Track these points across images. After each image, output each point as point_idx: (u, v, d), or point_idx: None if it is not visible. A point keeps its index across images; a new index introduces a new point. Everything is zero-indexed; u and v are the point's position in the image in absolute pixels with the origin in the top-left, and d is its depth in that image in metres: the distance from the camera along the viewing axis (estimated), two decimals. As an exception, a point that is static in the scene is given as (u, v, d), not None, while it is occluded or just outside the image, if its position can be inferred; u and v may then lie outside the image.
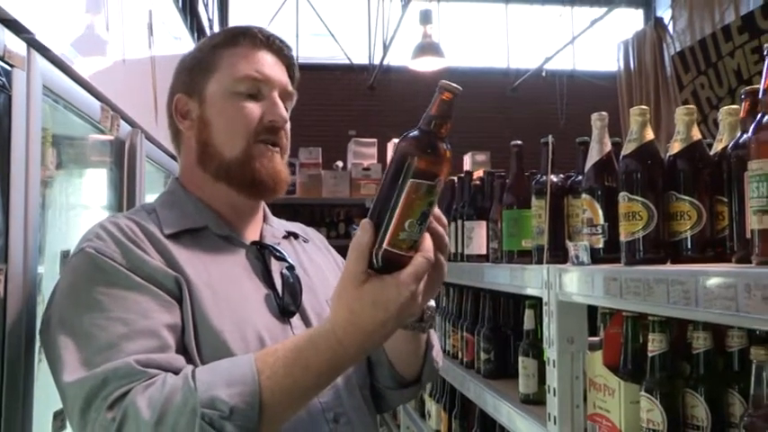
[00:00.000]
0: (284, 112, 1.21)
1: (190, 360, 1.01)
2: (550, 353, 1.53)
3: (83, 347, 0.96)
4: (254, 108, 1.18)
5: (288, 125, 1.24)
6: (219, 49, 1.21)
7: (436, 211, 0.96)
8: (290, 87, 1.25)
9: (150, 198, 1.73)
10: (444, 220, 1.01)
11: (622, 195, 1.27)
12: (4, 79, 1.08)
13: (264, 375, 0.91)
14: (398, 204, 0.90)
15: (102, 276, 1.01)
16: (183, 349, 1.02)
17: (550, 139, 1.67)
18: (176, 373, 0.94)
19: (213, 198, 1.20)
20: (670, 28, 6.71)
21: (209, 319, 1.04)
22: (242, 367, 0.92)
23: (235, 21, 8.87)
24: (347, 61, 8.97)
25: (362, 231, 0.90)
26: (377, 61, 8.07)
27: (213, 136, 1.18)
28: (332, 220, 7.17)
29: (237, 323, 1.06)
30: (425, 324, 1.16)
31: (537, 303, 1.75)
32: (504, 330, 2.22)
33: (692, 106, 1.28)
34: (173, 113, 1.23)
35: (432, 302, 1.15)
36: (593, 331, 1.62)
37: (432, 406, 2.92)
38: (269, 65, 1.21)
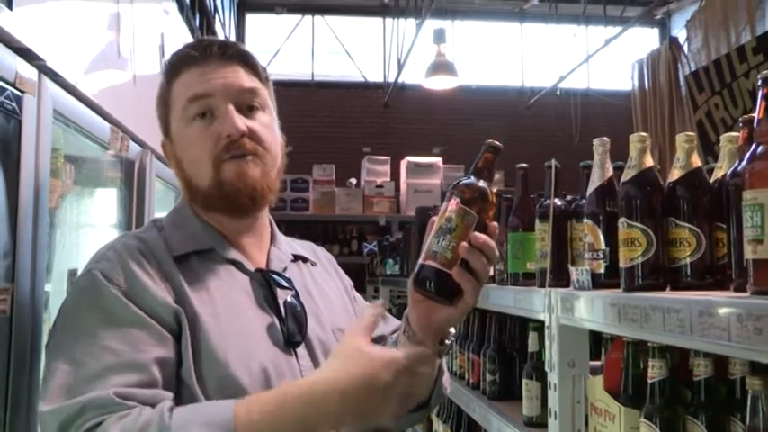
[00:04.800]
0: (238, 121, 1.14)
1: (190, 393, 1.01)
2: (552, 376, 1.53)
3: (70, 374, 0.97)
4: (208, 130, 1.14)
5: (258, 127, 1.17)
6: (169, 85, 1.19)
7: (478, 234, 1.05)
8: (246, 85, 1.18)
9: (160, 215, 1.76)
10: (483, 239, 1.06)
11: (622, 221, 1.27)
12: (14, 105, 1.12)
13: (240, 421, 0.92)
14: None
15: (103, 303, 1.03)
16: (177, 383, 1.02)
17: (554, 162, 1.67)
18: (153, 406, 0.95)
19: (215, 223, 1.20)
20: (685, 48, 6.70)
21: (215, 351, 1.04)
22: (220, 410, 0.93)
23: (251, 39, 8.98)
24: (362, 79, 9.03)
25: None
26: (392, 79, 8.12)
27: (187, 171, 1.18)
28: (345, 237, 7.19)
29: (242, 355, 1.06)
30: (444, 349, 1.17)
31: (541, 326, 1.75)
32: (509, 352, 2.22)
33: (691, 133, 1.29)
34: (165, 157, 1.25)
35: (452, 329, 1.17)
36: (598, 355, 1.62)
37: (439, 426, 2.91)
38: (213, 76, 1.16)
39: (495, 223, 1.10)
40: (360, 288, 1.59)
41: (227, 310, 1.10)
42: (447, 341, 1.16)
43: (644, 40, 9.00)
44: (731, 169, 1.14)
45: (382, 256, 4.97)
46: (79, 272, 1.11)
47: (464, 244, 1.04)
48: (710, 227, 1.23)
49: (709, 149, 5.53)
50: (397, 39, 7.75)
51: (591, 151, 1.46)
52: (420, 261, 1.08)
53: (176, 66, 1.19)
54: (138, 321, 1.02)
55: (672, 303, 1.03)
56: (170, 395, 0.99)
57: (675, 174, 1.27)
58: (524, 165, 1.94)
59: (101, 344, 0.99)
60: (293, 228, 6.77)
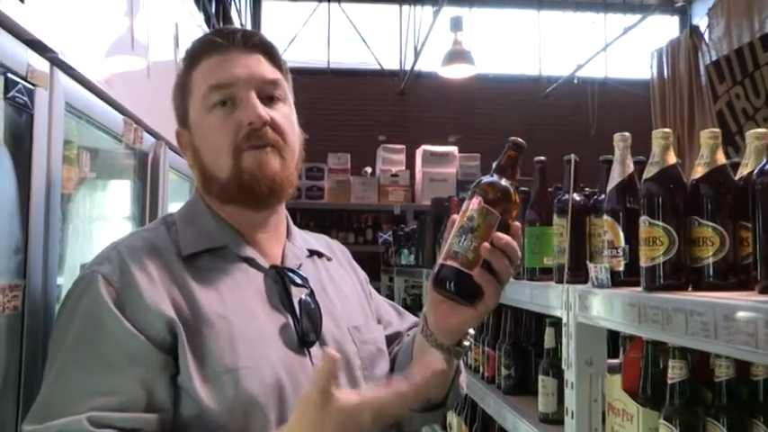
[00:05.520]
0: (260, 109, 1.11)
1: (191, 399, 0.99)
2: (569, 374, 1.51)
3: (52, 390, 0.97)
4: (229, 118, 1.12)
5: (279, 117, 1.15)
6: (188, 72, 1.17)
7: (500, 235, 1.04)
8: (269, 76, 1.16)
9: (174, 207, 1.74)
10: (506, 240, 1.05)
11: (643, 220, 1.24)
12: (26, 98, 1.10)
13: None
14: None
15: (95, 312, 1.01)
16: (177, 393, 1.01)
17: (573, 157, 1.64)
18: None
19: (229, 217, 1.17)
20: (706, 36, 6.59)
21: (222, 355, 1.01)
22: None
23: (267, 26, 8.95)
24: (378, 67, 8.98)
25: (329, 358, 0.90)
26: (408, 67, 8.07)
27: (205, 160, 1.15)
28: (359, 226, 7.19)
29: (253, 359, 1.03)
30: (462, 350, 1.16)
31: (557, 322, 1.73)
32: (525, 347, 2.20)
33: (716, 129, 1.25)
34: (179, 148, 1.22)
35: (471, 330, 1.15)
36: (615, 352, 1.60)
37: (453, 418, 2.90)
38: (236, 64, 1.14)
39: (518, 223, 1.08)
40: (374, 277, 1.56)
41: (239, 311, 1.07)
42: (465, 342, 1.15)
43: (664, 28, 8.88)
44: (759, 167, 1.10)
45: (397, 245, 4.95)
46: None
47: (486, 245, 1.02)
48: (735, 226, 1.19)
49: (730, 140, 5.45)
50: (413, 26, 7.69)
51: (609, 141, 1.42)
52: (440, 261, 1.06)
53: (197, 53, 1.17)
54: (125, 338, 0.99)
55: (695, 306, 1.01)
56: (152, 418, 0.97)
57: (699, 171, 1.23)
58: (542, 158, 1.91)
59: (86, 361, 0.98)
60: (308, 216, 6.78)
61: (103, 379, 0.97)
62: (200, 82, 1.15)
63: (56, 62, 1.21)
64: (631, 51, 8.30)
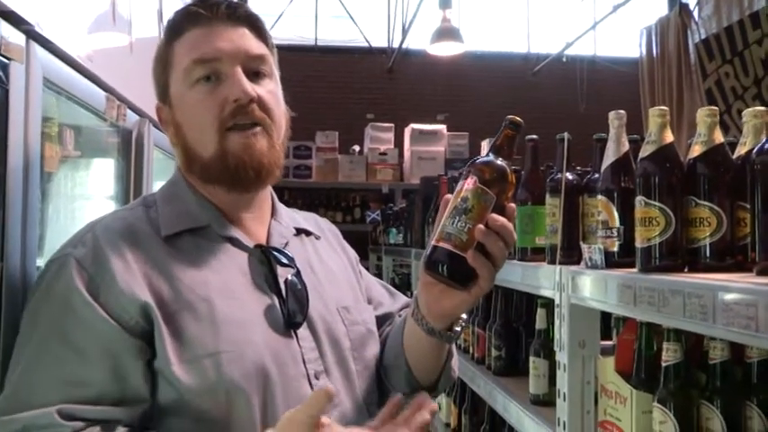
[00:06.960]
0: (247, 85, 1.07)
1: (169, 383, 0.97)
2: (561, 356, 1.49)
3: (20, 381, 0.95)
4: (213, 94, 1.07)
5: (266, 94, 1.10)
6: (170, 44, 1.12)
7: (495, 216, 1.01)
8: (255, 51, 1.11)
9: (158, 186, 1.70)
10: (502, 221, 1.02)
11: (639, 200, 1.22)
12: (0, 73, 1.06)
13: None
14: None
15: (67, 298, 0.98)
16: (154, 377, 0.98)
17: (566, 136, 1.61)
18: (102, 424, 0.92)
19: (212, 196, 1.14)
20: (695, 14, 6.55)
21: (203, 339, 0.99)
22: None
23: (254, 3, 8.81)
24: (366, 44, 8.89)
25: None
26: (396, 44, 7.99)
27: (187, 138, 1.11)
28: (347, 205, 7.17)
29: (236, 342, 1.00)
30: (454, 335, 1.13)
31: (549, 303, 1.71)
32: (516, 327, 2.19)
33: (714, 107, 1.23)
34: (160, 123, 1.18)
35: (463, 314, 1.13)
36: (606, 333, 1.58)
37: (442, 399, 2.90)
38: (220, 38, 1.09)
39: (513, 205, 1.05)
40: (362, 257, 1.54)
41: (222, 293, 1.04)
42: (457, 327, 1.12)
43: (653, 6, 8.81)
44: (758, 146, 1.07)
45: (385, 224, 4.93)
46: None
47: (480, 226, 0.99)
48: (732, 206, 1.17)
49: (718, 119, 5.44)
50: (401, 3, 7.60)
51: (598, 119, 1.40)
52: (432, 242, 1.03)
53: (179, 24, 1.12)
54: (98, 325, 0.97)
55: (693, 288, 0.98)
56: (126, 408, 0.96)
57: (696, 150, 1.21)
58: (534, 136, 1.88)
59: (57, 350, 0.95)
60: (295, 195, 6.74)
61: (75, 368, 0.94)
62: (182, 55, 1.10)
63: (32, 35, 1.16)
64: (620, 29, 8.25)
